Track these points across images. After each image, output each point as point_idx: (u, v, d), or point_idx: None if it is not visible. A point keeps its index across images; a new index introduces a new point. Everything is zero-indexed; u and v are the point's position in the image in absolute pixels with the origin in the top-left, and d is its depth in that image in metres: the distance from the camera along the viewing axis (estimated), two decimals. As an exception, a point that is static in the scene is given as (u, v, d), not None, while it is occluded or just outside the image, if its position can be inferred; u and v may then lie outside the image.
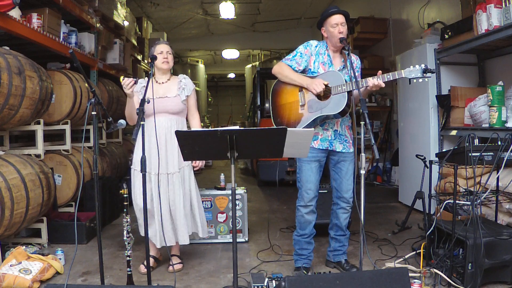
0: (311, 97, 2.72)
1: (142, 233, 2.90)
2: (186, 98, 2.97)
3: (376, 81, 2.55)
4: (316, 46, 2.81)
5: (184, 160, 2.80)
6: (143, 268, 2.92)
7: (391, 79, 2.55)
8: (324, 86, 2.64)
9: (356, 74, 2.81)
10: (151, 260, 2.96)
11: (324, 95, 2.69)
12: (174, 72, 12.81)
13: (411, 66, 2.53)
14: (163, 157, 2.83)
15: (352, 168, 2.85)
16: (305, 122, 2.71)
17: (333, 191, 2.92)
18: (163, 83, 2.96)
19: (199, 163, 3.03)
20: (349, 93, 2.59)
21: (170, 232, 2.91)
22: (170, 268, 2.96)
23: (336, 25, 2.69)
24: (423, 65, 2.51)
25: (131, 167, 2.97)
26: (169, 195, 2.89)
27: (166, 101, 2.88)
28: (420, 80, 2.54)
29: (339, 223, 2.92)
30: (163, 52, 2.89)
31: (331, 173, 2.91)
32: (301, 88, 2.76)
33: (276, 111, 2.86)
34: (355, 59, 2.85)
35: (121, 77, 2.69)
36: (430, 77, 2.55)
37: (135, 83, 2.76)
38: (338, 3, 8.86)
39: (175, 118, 2.92)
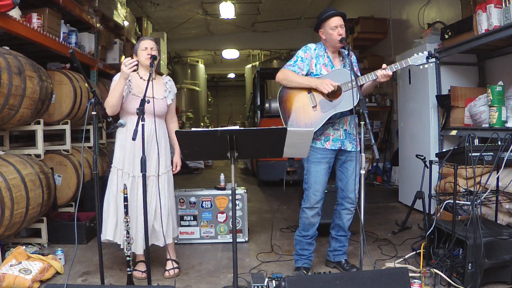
0: (322, 97, 2.72)
1: (103, 237, 2.77)
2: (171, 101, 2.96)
3: (385, 71, 2.60)
4: (315, 49, 2.82)
5: (185, 160, 2.79)
6: (139, 274, 2.87)
7: (399, 68, 2.64)
8: (335, 85, 2.65)
9: (355, 69, 2.83)
10: (139, 273, 2.89)
11: (334, 93, 2.70)
12: (174, 72, 12.71)
13: (415, 54, 2.62)
14: (148, 160, 2.73)
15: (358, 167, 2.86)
16: (320, 123, 2.70)
17: (338, 191, 2.92)
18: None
19: (179, 167, 3.01)
20: (359, 88, 2.60)
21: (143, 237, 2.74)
22: (167, 273, 2.91)
23: (336, 27, 2.70)
24: (426, 52, 2.60)
25: (112, 165, 2.87)
26: (149, 197, 2.77)
27: (153, 103, 2.72)
28: (426, 65, 2.62)
29: (342, 223, 2.92)
30: (147, 48, 2.80)
31: (337, 173, 2.91)
32: (309, 90, 2.75)
33: (287, 116, 2.80)
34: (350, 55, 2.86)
35: (123, 57, 2.65)
36: (434, 62, 2.63)
37: (136, 65, 2.68)
38: (338, 3, 8.87)
39: (158, 121, 2.83)
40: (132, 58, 2.89)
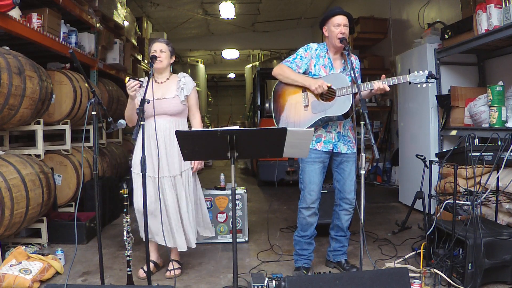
0: (315, 98, 2.72)
1: (143, 235, 2.89)
2: (186, 98, 2.89)
3: (381, 84, 2.57)
4: (316, 49, 2.81)
5: (184, 160, 2.79)
6: (141, 273, 2.87)
7: (396, 83, 2.59)
8: (326, 88, 2.64)
9: (356, 74, 2.81)
10: (151, 265, 2.91)
11: (328, 96, 2.69)
12: (174, 72, 12.74)
13: (415, 72, 2.57)
14: (164, 160, 2.79)
15: (355, 168, 2.85)
16: (308, 123, 2.70)
17: (336, 192, 2.92)
18: (162, 82, 2.89)
19: (196, 165, 2.96)
20: (354, 95, 2.59)
21: (171, 235, 2.87)
22: (168, 273, 2.91)
23: (339, 25, 2.69)
24: (427, 71, 2.55)
25: (131, 169, 2.91)
26: (169, 198, 2.84)
27: (164, 103, 2.80)
28: (424, 85, 2.57)
29: (340, 224, 2.92)
30: (156, 51, 2.82)
31: (334, 174, 2.90)
32: (304, 89, 2.75)
33: (278, 111, 2.83)
34: (354, 59, 2.85)
35: (127, 78, 2.68)
36: (433, 82, 2.58)
37: (141, 86, 2.71)
38: (338, 3, 8.86)
39: (174, 120, 2.86)
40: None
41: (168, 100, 2.84)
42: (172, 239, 2.87)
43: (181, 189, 2.87)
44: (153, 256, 3.00)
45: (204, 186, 3.93)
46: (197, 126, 3.01)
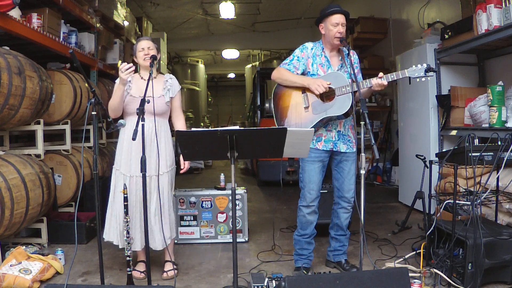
0: (315, 98, 2.72)
1: (106, 238, 2.86)
2: (170, 99, 2.90)
3: (379, 80, 2.57)
4: (312, 49, 2.81)
5: (184, 160, 2.79)
6: (138, 274, 2.86)
7: (395, 78, 2.58)
8: (327, 86, 2.64)
9: (356, 70, 2.81)
10: (138, 273, 2.89)
11: (328, 96, 2.69)
12: (174, 72, 12.77)
13: (414, 66, 2.56)
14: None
15: (354, 167, 2.85)
16: (310, 124, 2.70)
17: (335, 190, 2.93)
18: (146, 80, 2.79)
19: (187, 165, 2.90)
20: (353, 93, 2.59)
21: (142, 236, 2.78)
22: (165, 274, 2.89)
23: (337, 24, 2.69)
24: (425, 65, 2.54)
25: (114, 166, 2.86)
26: (147, 199, 2.69)
27: (153, 102, 2.71)
28: (423, 79, 2.56)
29: (339, 222, 2.92)
30: (144, 48, 2.80)
31: (333, 172, 2.91)
32: (303, 90, 2.75)
33: (279, 113, 2.82)
34: (351, 54, 2.84)
35: (119, 62, 2.63)
36: (432, 75, 2.57)
37: (134, 71, 2.66)
38: (338, 3, 8.86)
39: (157, 119, 2.81)
40: (132, 60, 2.89)
41: (153, 99, 2.77)
42: (141, 241, 2.82)
43: (161, 190, 2.81)
44: (142, 256, 2.97)
45: (204, 186, 3.96)
46: (181, 127, 3.00)
